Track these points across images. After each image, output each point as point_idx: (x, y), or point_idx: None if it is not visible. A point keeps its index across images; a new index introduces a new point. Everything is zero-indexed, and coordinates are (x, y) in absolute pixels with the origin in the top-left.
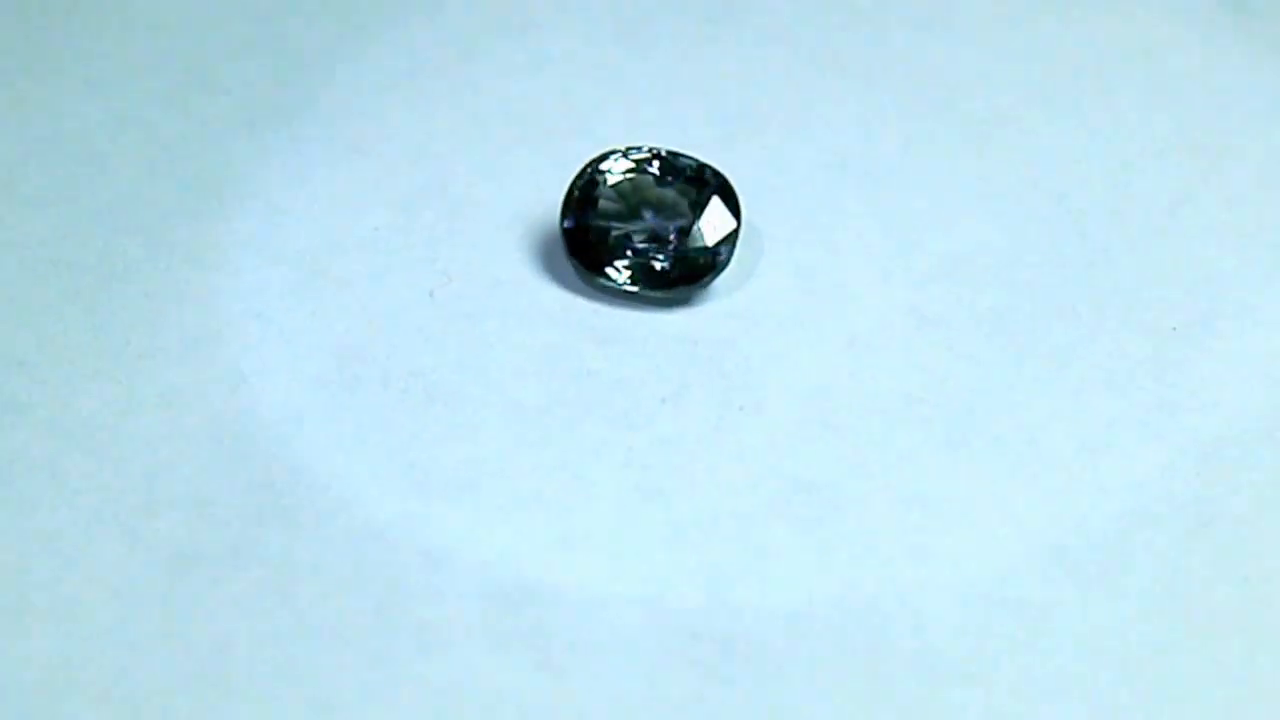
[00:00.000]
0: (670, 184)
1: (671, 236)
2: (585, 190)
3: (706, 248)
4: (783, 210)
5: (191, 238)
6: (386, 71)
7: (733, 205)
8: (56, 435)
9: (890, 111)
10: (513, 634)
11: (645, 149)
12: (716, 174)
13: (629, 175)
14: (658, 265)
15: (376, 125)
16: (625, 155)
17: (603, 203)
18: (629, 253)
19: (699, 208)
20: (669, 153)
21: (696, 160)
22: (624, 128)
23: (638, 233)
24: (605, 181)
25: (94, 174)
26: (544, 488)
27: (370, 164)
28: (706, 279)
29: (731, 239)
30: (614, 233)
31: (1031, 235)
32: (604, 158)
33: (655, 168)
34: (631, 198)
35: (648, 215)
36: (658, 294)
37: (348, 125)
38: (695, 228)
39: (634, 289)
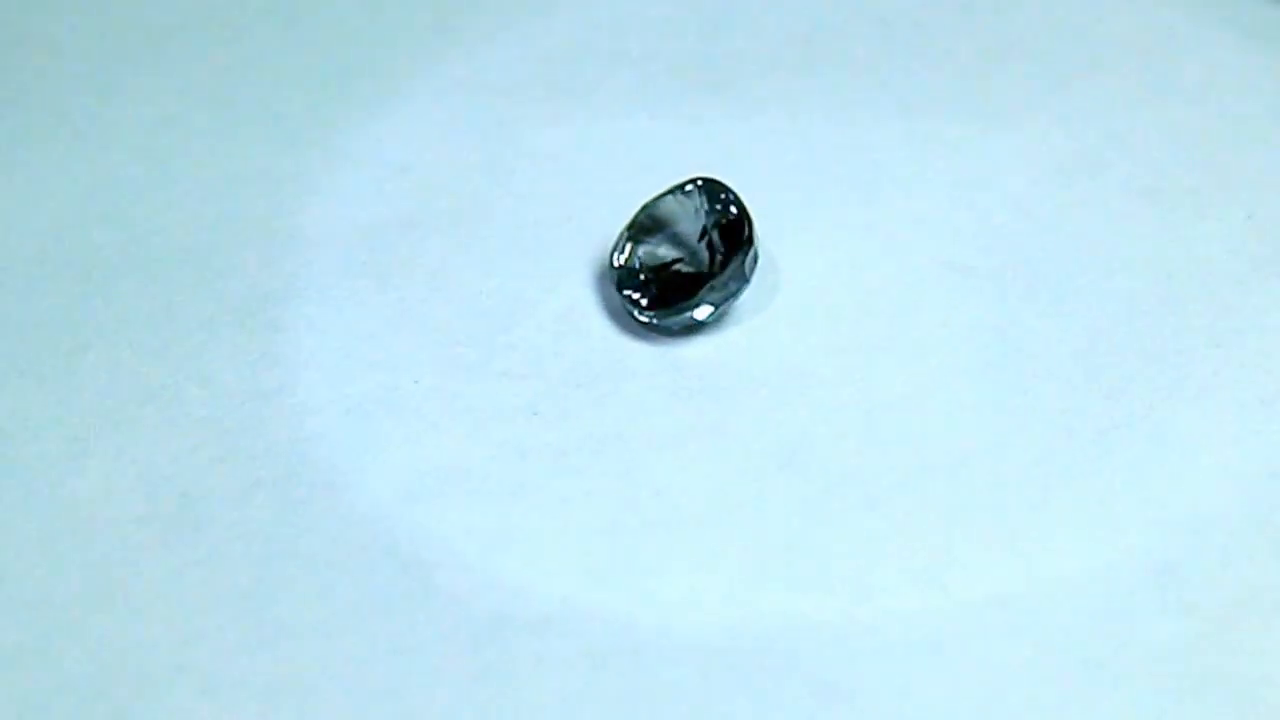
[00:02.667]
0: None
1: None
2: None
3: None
4: (803, 243)
5: (247, 288)
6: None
7: (739, 261)
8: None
9: (925, 145)
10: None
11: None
12: (745, 232)
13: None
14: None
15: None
16: (686, 189)
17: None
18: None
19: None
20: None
21: (742, 216)
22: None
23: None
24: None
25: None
26: (548, 513)
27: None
28: (685, 312)
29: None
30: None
31: (1050, 262)
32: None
33: (701, 202)
34: (658, 223)
35: (661, 240)
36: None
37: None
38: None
39: (643, 307)
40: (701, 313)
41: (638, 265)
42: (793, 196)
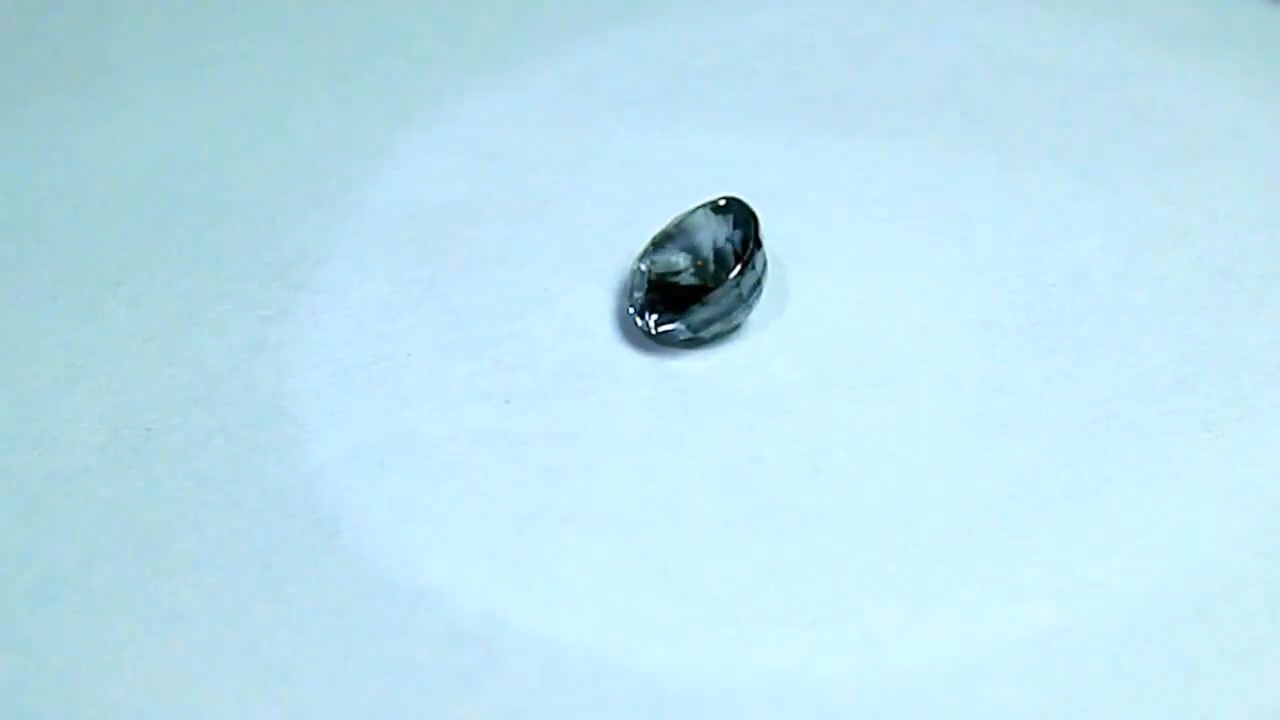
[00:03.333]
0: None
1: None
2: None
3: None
4: (818, 262)
5: (293, 249)
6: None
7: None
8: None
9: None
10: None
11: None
12: (749, 259)
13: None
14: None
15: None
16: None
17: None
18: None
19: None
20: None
21: (749, 240)
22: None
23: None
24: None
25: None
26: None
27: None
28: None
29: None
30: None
31: (1087, 329)
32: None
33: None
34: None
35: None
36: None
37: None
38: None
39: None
40: (675, 327)
41: (645, 270)
42: (845, 229)
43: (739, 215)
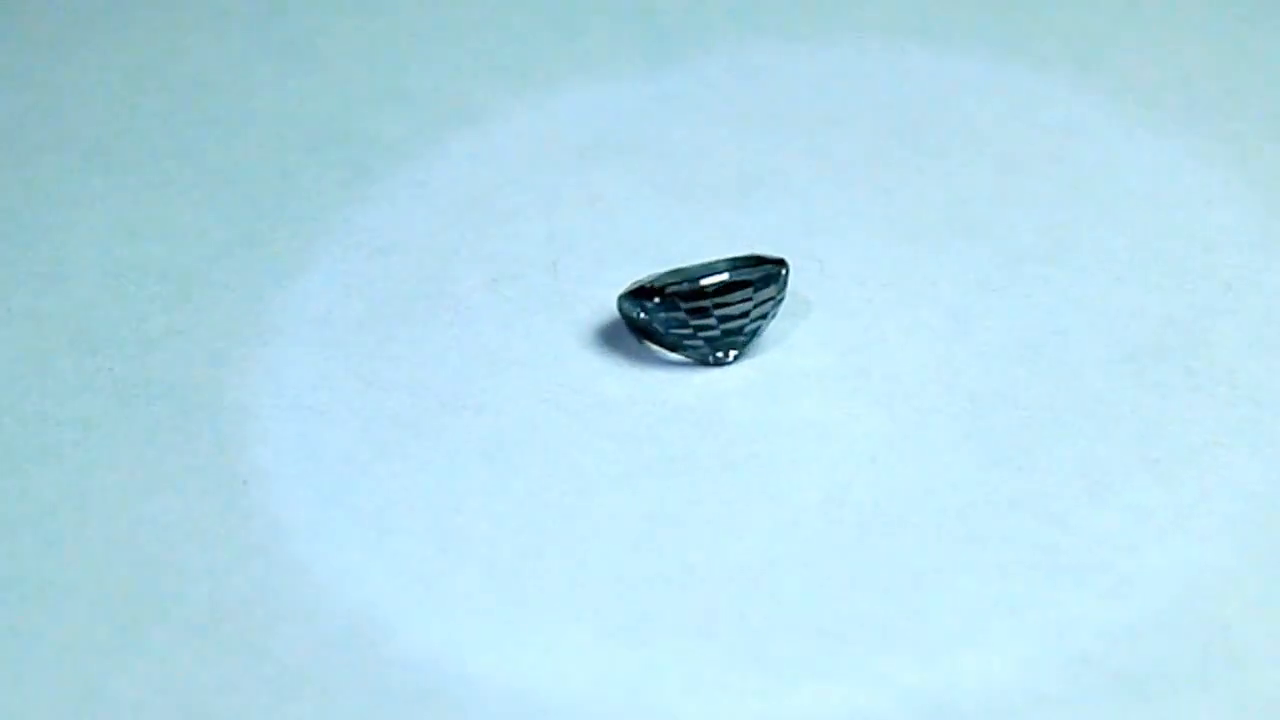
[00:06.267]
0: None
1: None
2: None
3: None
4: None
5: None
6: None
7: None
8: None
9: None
10: None
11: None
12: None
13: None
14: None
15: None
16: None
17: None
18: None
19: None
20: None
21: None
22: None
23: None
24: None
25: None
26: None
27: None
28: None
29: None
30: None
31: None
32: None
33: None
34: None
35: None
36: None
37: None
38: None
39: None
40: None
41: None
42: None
43: (768, 278)
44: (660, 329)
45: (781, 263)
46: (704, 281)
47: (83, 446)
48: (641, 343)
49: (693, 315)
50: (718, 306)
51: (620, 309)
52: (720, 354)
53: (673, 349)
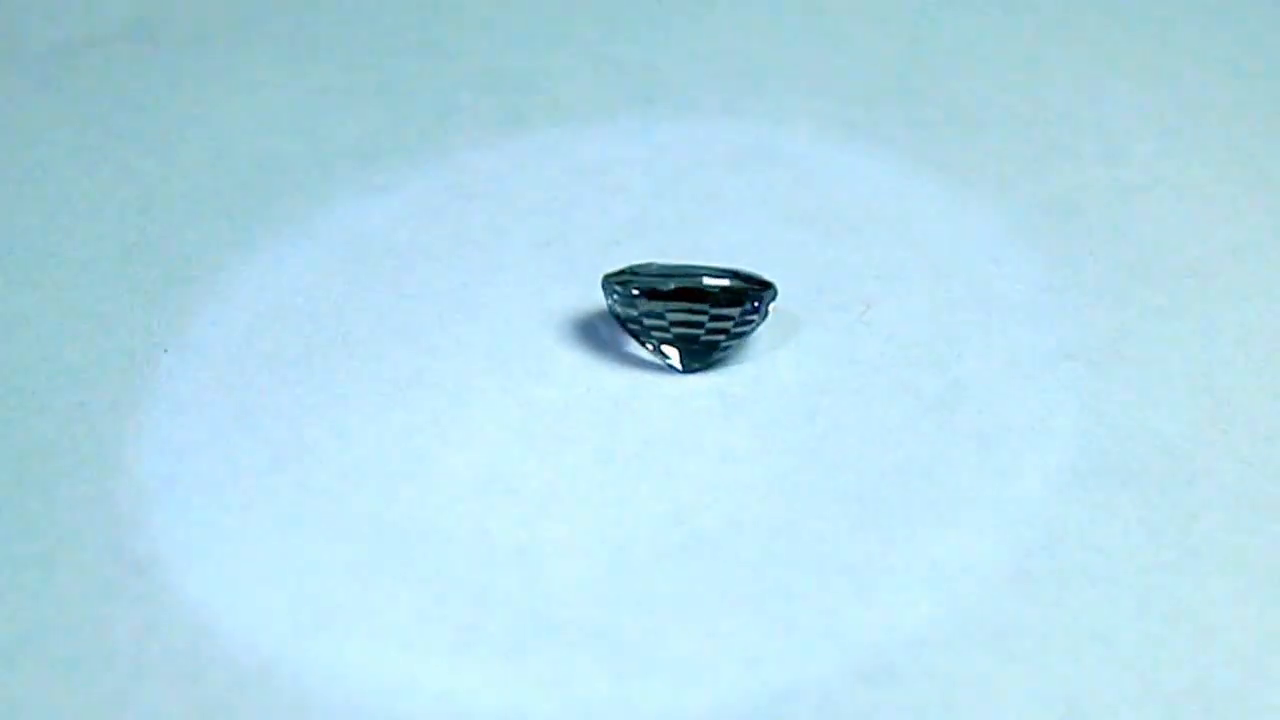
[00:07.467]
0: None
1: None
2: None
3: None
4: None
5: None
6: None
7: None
8: None
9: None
10: None
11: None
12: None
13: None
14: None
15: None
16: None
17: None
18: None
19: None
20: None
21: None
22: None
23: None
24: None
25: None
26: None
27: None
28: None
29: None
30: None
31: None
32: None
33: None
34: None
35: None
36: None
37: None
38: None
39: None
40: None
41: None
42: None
43: (750, 297)
44: (637, 317)
45: (768, 285)
46: (706, 281)
47: None
48: (615, 332)
49: (678, 313)
50: (714, 310)
51: (603, 289)
52: (689, 361)
53: (639, 339)
